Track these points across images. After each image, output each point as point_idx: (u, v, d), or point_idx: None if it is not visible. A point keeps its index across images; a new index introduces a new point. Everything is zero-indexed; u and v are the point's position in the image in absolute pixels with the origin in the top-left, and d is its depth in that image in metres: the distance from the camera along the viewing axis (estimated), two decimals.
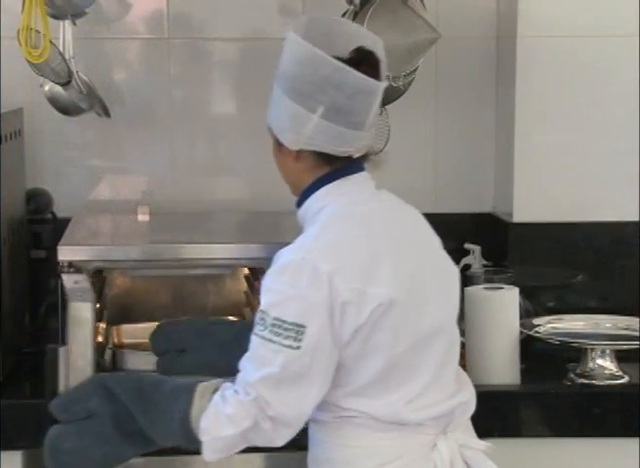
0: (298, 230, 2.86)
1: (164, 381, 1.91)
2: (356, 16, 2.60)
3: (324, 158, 1.91)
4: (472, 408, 2.00)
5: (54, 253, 2.36)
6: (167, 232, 2.69)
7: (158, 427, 1.86)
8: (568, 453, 2.41)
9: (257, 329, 1.83)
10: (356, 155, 1.92)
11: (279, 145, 1.94)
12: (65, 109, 2.78)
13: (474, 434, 2.03)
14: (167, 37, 3.00)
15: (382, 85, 1.87)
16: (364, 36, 1.91)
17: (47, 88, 2.77)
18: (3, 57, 2.83)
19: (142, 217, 2.74)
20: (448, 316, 1.96)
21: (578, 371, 2.49)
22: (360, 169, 1.97)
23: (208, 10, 3.00)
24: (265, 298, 1.83)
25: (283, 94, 1.88)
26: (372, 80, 1.84)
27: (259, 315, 1.83)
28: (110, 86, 2.95)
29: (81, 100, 2.73)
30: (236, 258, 2.48)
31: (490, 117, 3.06)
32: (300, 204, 1.97)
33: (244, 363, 1.83)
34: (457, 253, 2.96)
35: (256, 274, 2.58)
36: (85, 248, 2.40)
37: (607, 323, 2.65)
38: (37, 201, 2.91)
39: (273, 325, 1.79)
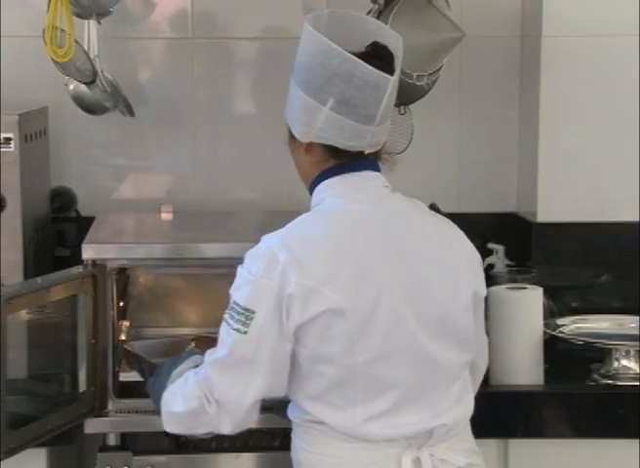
0: None
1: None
2: (380, 14, 2.59)
3: (332, 152, 1.90)
4: (458, 429, 1.92)
5: (78, 251, 2.38)
6: (190, 231, 2.69)
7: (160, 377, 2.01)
8: (591, 455, 2.39)
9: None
10: (367, 151, 1.90)
11: (292, 138, 1.95)
12: (90, 108, 2.79)
13: (469, 445, 1.96)
14: (191, 37, 3.01)
15: (392, 79, 1.84)
16: (384, 33, 1.89)
17: (72, 87, 2.78)
18: (28, 56, 2.86)
19: (166, 216, 2.75)
20: (430, 337, 1.85)
21: (601, 372, 2.48)
22: (371, 167, 1.94)
23: (232, 9, 3.00)
24: (234, 282, 1.88)
25: (296, 86, 1.89)
26: (381, 73, 1.83)
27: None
28: (134, 85, 2.96)
29: (105, 100, 2.74)
30: None
31: (514, 117, 3.05)
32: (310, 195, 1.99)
33: None
34: (480, 252, 2.95)
35: None
36: (109, 246, 2.40)
37: (631, 323, 2.64)
38: (61, 199, 2.93)
39: (231, 308, 1.84)
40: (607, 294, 2.85)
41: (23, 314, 2.28)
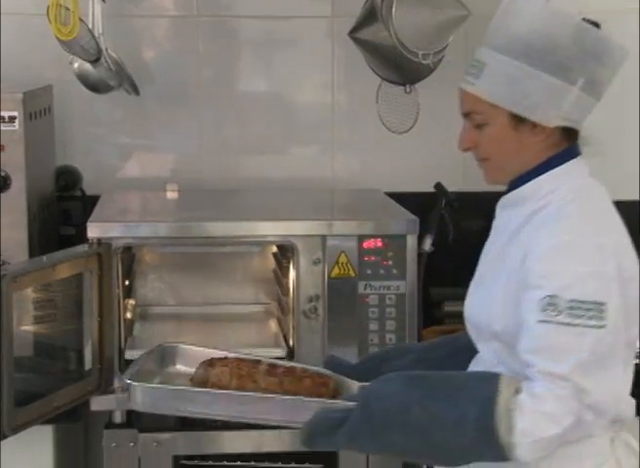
0: (325, 207, 2.87)
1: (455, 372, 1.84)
2: None
3: (567, 134, 1.83)
4: None
5: (83, 229, 2.38)
6: (195, 210, 2.70)
7: (448, 415, 1.70)
8: None
9: (545, 316, 1.70)
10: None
11: (516, 124, 1.81)
12: (95, 87, 2.79)
13: None
14: (196, 14, 2.99)
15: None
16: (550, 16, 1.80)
17: (76, 65, 2.77)
18: (33, 34, 2.84)
19: (171, 195, 2.75)
20: None
21: None
22: (579, 150, 1.88)
23: None
24: (552, 282, 1.71)
25: (533, 68, 1.77)
26: (625, 49, 1.80)
27: (543, 302, 1.70)
28: (139, 63, 2.95)
29: (110, 78, 2.74)
30: (264, 236, 2.48)
31: None
32: (520, 182, 1.84)
33: (531, 357, 1.71)
34: (486, 231, 2.96)
35: (284, 252, 2.59)
36: (114, 225, 2.41)
37: None
38: (66, 178, 2.93)
39: (571, 307, 1.69)
40: None
41: (29, 292, 2.29)
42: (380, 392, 1.74)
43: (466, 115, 1.85)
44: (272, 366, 1.95)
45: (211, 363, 1.95)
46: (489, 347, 1.85)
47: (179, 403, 1.84)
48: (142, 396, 1.84)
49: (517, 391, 1.69)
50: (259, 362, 1.97)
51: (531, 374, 1.70)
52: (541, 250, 1.73)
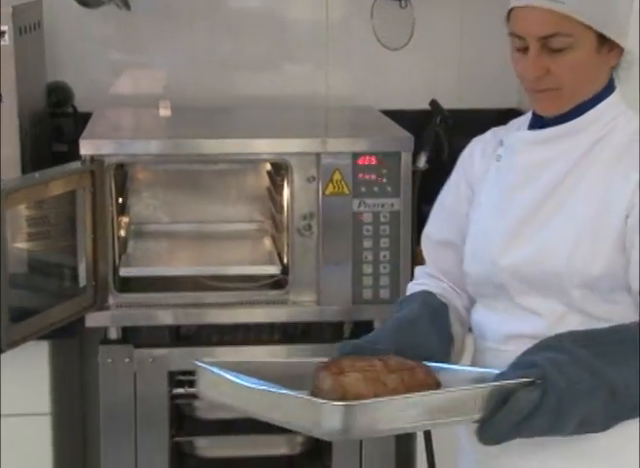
0: (319, 125, 2.85)
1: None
2: None
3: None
4: None
5: (76, 146, 2.36)
6: (188, 127, 2.68)
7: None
8: None
9: None
10: None
11: (600, 46, 1.67)
12: (85, 1, 2.75)
13: None
14: None
15: None
16: None
17: None
18: None
19: (164, 112, 2.73)
20: None
21: None
22: None
23: None
24: None
25: None
26: None
27: None
28: None
29: None
30: (258, 153, 2.47)
31: None
32: (580, 111, 1.70)
33: None
34: None
35: (278, 170, 2.58)
36: (106, 141, 2.40)
37: None
38: (58, 94, 2.89)
39: None
40: None
41: (22, 209, 2.28)
42: (559, 362, 1.50)
43: (545, 38, 1.64)
44: (384, 361, 1.60)
45: (338, 370, 1.52)
46: (556, 298, 1.66)
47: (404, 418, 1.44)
48: (359, 417, 1.39)
49: None
50: (371, 359, 1.59)
51: None
52: None
